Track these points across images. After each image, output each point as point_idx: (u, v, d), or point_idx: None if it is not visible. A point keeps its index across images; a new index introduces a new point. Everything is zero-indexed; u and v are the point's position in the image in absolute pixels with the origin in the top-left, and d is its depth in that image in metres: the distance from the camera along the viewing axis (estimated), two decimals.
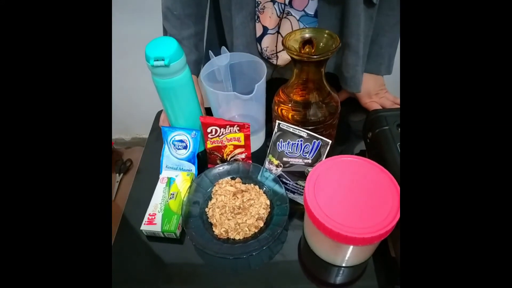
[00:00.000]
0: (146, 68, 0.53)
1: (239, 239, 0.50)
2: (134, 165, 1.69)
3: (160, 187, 0.57)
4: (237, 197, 0.54)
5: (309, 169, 0.52)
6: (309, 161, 0.52)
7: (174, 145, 0.61)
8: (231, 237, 0.50)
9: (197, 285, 0.48)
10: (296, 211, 0.55)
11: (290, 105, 0.54)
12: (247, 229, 0.51)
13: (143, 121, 1.17)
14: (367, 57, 0.66)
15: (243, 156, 0.61)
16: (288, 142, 0.53)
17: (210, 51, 0.60)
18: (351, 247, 0.43)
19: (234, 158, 0.61)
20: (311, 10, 0.57)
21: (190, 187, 0.56)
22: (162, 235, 0.52)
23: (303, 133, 0.51)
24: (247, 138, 0.58)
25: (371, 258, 0.48)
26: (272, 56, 0.65)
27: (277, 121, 0.53)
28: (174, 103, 0.57)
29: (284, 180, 0.56)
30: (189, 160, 0.61)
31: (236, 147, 0.59)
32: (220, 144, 0.59)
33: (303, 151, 0.52)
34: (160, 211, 0.53)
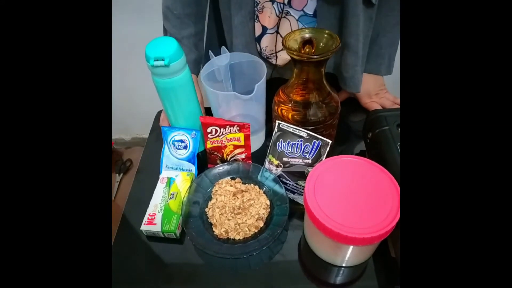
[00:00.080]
0: (146, 68, 0.53)
1: (239, 239, 0.50)
2: (134, 165, 1.69)
3: (160, 187, 0.57)
4: (237, 197, 0.54)
5: (309, 169, 0.52)
6: (309, 161, 0.52)
7: (174, 145, 0.61)
8: (231, 237, 0.50)
9: (197, 285, 0.48)
10: (296, 211, 0.55)
11: (290, 105, 0.54)
12: (247, 229, 0.51)
13: (143, 121, 1.18)
14: (367, 57, 0.67)
15: (243, 156, 0.61)
16: (288, 142, 0.53)
17: (210, 51, 0.60)
18: (351, 247, 0.43)
19: (234, 158, 0.61)
20: (310, 10, 0.57)
21: (190, 187, 0.55)
22: (162, 235, 0.52)
23: (303, 133, 0.51)
24: (247, 138, 0.58)
25: (371, 258, 0.48)
26: (271, 56, 0.65)
27: (277, 121, 0.53)
28: (174, 103, 0.57)
29: (284, 180, 0.56)
30: (189, 160, 0.61)
31: (236, 147, 0.59)
32: (220, 144, 0.59)
33: (303, 151, 0.52)
34: (160, 211, 0.53)
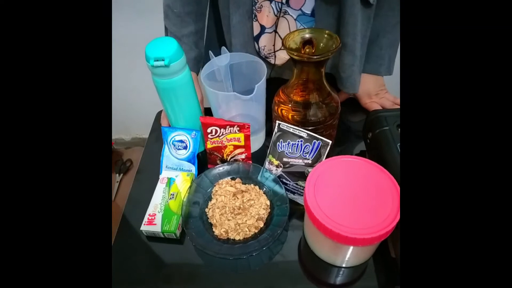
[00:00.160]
0: (146, 68, 0.53)
1: (239, 239, 0.50)
2: (134, 165, 1.69)
3: (160, 187, 0.57)
4: (237, 198, 0.54)
5: (309, 170, 0.52)
6: (309, 161, 0.52)
7: (174, 145, 0.61)
8: (231, 238, 0.50)
9: (197, 285, 0.48)
10: (296, 212, 0.55)
11: (290, 105, 0.54)
12: (247, 229, 0.51)
13: (143, 121, 1.17)
14: (368, 58, 0.66)
15: (243, 156, 0.61)
16: (288, 143, 0.53)
17: (210, 52, 0.60)
18: (351, 247, 0.43)
19: (234, 158, 0.61)
20: (308, 9, 0.58)
21: (190, 187, 0.55)
22: (162, 236, 0.52)
23: (303, 133, 0.51)
24: (247, 138, 0.58)
25: (371, 258, 0.48)
26: (270, 55, 0.65)
27: (277, 122, 0.53)
28: (174, 103, 0.57)
29: (284, 180, 0.56)
30: (189, 160, 0.61)
31: (236, 147, 0.59)
32: (220, 145, 0.59)
33: (303, 151, 0.52)
34: (160, 212, 0.53)
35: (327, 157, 0.51)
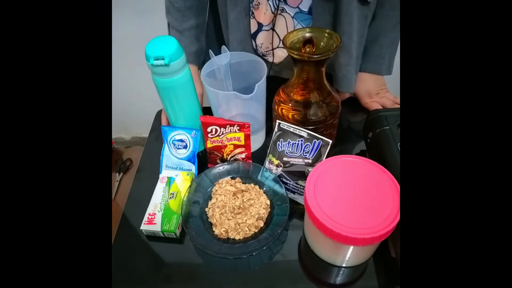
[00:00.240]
0: (146, 68, 0.52)
1: (239, 239, 0.50)
2: (134, 165, 1.69)
3: (160, 187, 0.57)
4: (237, 197, 0.54)
5: (310, 169, 0.52)
6: (310, 161, 0.52)
7: (174, 144, 0.61)
8: (231, 237, 0.50)
9: (197, 285, 0.48)
10: (296, 211, 0.54)
11: (290, 104, 0.54)
12: (247, 229, 0.51)
13: (143, 120, 1.17)
14: (368, 57, 0.66)
15: (243, 155, 0.61)
16: (289, 142, 0.53)
17: (210, 51, 0.60)
18: (352, 247, 0.43)
19: (234, 157, 0.61)
20: (305, 7, 0.58)
21: (190, 186, 0.55)
22: (162, 235, 0.52)
23: (304, 132, 0.51)
24: (247, 137, 0.58)
25: (372, 258, 0.48)
26: (267, 53, 0.65)
27: (278, 121, 0.53)
28: (174, 103, 0.57)
29: (284, 180, 0.56)
30: (189, 159, 0.61)
31: (236, 146, 0.59)
32: (220, 144, 0.59)
33: (304, 151, 0.52)
34: (160, 211, 0.53)
35: (327, 156, 0.51)
